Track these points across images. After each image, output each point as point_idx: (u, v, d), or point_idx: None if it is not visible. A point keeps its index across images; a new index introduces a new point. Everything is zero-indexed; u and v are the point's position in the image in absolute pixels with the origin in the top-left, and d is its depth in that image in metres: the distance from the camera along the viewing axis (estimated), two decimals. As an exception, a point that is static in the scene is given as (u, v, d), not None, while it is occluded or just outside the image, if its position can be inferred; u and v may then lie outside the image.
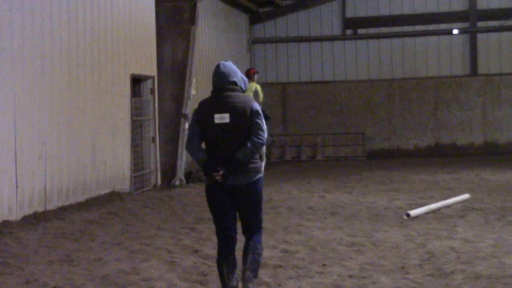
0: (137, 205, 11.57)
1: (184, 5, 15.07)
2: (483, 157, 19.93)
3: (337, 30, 22.08)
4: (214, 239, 8.46)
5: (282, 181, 15.08)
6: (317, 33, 22.15)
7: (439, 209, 10.63)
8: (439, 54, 21.61)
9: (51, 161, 10.50)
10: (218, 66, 5.65)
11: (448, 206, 10.89)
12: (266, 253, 7.12)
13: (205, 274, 6.76)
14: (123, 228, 9.51)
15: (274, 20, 22.36)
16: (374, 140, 21.59)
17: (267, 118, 5.69)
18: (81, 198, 11.30)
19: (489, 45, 21.40)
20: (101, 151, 12.08)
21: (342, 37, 22.00)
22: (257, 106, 5.58)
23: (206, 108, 5.56)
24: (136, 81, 13.84)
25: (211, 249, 7.90)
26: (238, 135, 5.47)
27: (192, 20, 15.20)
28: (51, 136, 10.56)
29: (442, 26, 21.55)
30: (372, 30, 21.89)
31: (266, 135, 5.54)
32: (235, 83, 5.60)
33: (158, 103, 14.51)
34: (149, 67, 14.13)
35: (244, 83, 5.71)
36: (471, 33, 21.39)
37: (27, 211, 9.84)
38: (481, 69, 21.41)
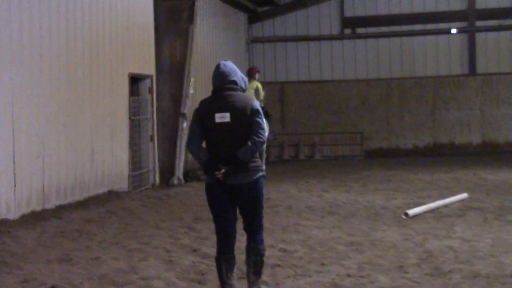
0: (136, 204, 11.57)
1: (183, 4, 15.06)
2: (481, 157, 19.93)
3: (335, 30, 22.07)
4: (213, 238, 8.47)
5: (280, 180, 15.08)
6: (316, 33, 22.15)
7: (437, 208, 10.64)
8: (437, 54, 21.61)
9: (49, 160, 10.49)
10: (218, 66, 5.67)
11: (446, 206, 10.89)
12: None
13: (203, 273, 6.76)
14: (121, 227, 9.50)
15: (273, 19, 22.36)
16: (373, 139, 21.59)
17: (268, 116, 5.73)
18: (79, 197, 11.30)
19: (487, 44, 21.41)
20: (99, 150, 12.07)
21: (341, 37, 22.00)
22: (257, 105, 5.61)
23: (207, 107, 5.58)
24: (135, 80, 13.83)
25: (209, 248, 7.90)
26: (238, 134, 5.50)
27: (191, 19, 15.20)
28: (49, 135, 10.55)
29: (441, 26, 21.56)
30: (371, 30, 21.89)
31: (266, 134, 5.57)
32: (235, 83, 5.62)
33: (157, 102, 14.51)
34: (147, 66, 14.12)
35: (244, 82, 5.73)
36: (469, 33, 21.39)
37: (25, 210, 9.83)
38: (480, 69, 21.42)
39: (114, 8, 12.83)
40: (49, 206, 10.41)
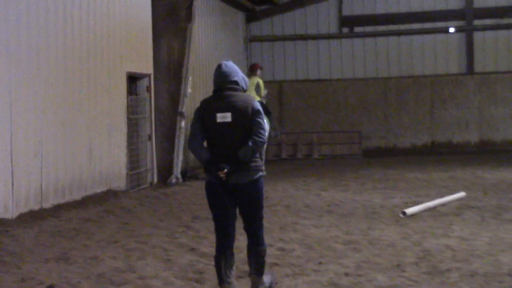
0: (133, 203, 11.56)
1: (181, 3, 15.05)
2: (479, 155, 19.95)
3: (333, 28, 22.08)
4: (211, 237, 8.48)
5: (278, 179, 15.07)
6: (314, 31, 22.15)
7: (435, 207, 10.65)
8: (435, 53, 21.63)
9: (47, 159, 10.48)
10: (220, 66, 5.70)
11: (444, 204, 10.90)
12: (262, 251, 7.12)
13: (201, 272, 6.76)
14: (119, 226, 9.50)
15: (271, 18, 22.36)
16: (370, 138, 21.61)
17: (268, 113, 5.76)
18: (77, 196, 11.29)
19: (485, 43, 21.43)
20: (97, 149, 12.06)
21: (339, 35, 22.00)
22: (258, 106, 5.65)
23: (208, 107, 5.62)
24: (132, 79, 13.82)
25: (207, 247, 7.90)
26: (239, 133, 5.54)
27: (189, 18, 15.19)
28: (47, 134, 10.55)
29: (439, 25, 21.57)
30: (369, 28, 21.91)
31: (267, 133, 5.61)
32: (236, 83, 5.67)
33: (154, 101, 14.50)
34: (145, 65, 14.11)
35: (245, 83, 5.79)
36: (467, 32, 21.41)
37: (23, 209, 9.82)
38: (477, 68, 21.43)
39: (112, 7, 12.82)
40: (47, 205, 10.40)
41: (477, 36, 21.41)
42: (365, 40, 21.89)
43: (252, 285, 5.84)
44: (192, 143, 5.66)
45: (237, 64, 5.97)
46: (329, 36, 22.04)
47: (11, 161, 9.61)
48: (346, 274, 6.62)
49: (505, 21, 21.18)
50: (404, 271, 6.70)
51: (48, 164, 10.50)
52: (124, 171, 13.03)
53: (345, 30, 21.99)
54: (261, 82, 15.47)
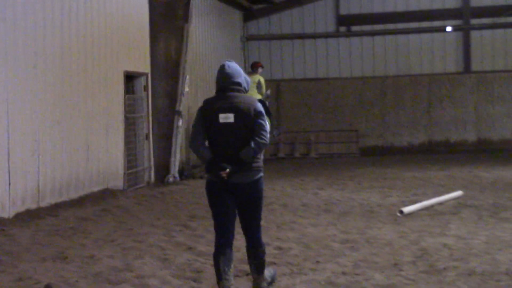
0: (131, 202, 11.55)
1: (178, 2, 15.04)
2: (476, 154, 19.97)
3: (330, 27, 22.07)
4: (208, 236, 8.48)
5: (275, 178, 15.07)
6: (311, 30, 22.14)
7: (432, 206, 10.65)
8: (432, 52, 21.63)
9: (44, 158, 10.47)
10: (223, 67, 5.74)
11: (441, 203, 10.91)
12: (259, 250, 7.12)
13: (198, 271, 6.76)
14: (116, 225, 9.49)
15: (268, 17, 22.34)
16: (368, 137, 21.60)
17: (269, 114, 5.77)
18: (74, 195, 11.27)
19: (482, 42, 21.44)
20: (94, 148, 12.05)
21: (336, 34, 21.99)
22: (260, 107, 5.71)
23: (211, 107, 5.66)
24: (130, 78, 13.81)
25: (204, 246, 7.90)
26: (241, 134, 5.59)
27: (186, 17, 15.18)
28: (44, 133, 10.53)
29: (436, 24, 21.57)
30: (366, 27, 21.90)
31: (269, 135, 5.66)
32: (239, 84, 5.72)
33: (152, 100, 14.49)
34: (142, 64, 14.10)
35: (247, 83, 5.86)
36: (464, 31, 21.42)
37: (20, 208, 9.81)
38: (475, 67, 21.44)
39: (109, 6, 12.80)
40: (44, 204, 10.39)
41: (474, 35, 21.41)
42: (363, 39, 21.89)
43: (254, 283, 5.84)
44: (194, 142, 5.70)
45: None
46: (326, 35, 22.02)
47: (8, 160, 9.59)
48: (344, 273, 6.62)
49: (502, 20, 21.18)
50: (402, 270, 6.71)
51: (45, 163, 10.49)
52: (121, 170, 13.02)
53: (343, 29, 21.98)
54: (262, 80, 15.71)
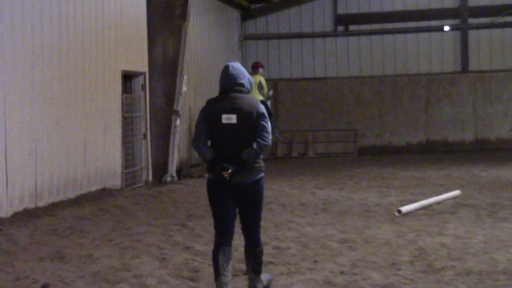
0: (128, 202, 11.54)
1: (176, 1, 15.03)
2: (474, 154, 19.98)
3: (328, 27, 22.07)
4: (206, 235, 8.48)
5: (273, 178, 15.06)
6: (309, 30, 22.14)
7: (430, 205, 10.66)
8: (430, 51, 21.64)
9: (41, 157, 10.45)
10: (227, 67, 5.76)
11: (439, 203, 10.91)
12: (257, 250, 7.11)
13: (196, 271, 6.75)
14: (114, 224, 9.48)
15: (266, 16, 22.34)
16: (366, 136, 21.61)
17: (270, 115, 5.81)
18: (72, 194, 11.26)
19: (480, 42, 21.45)
20: (92, 148, 12.04)
21: (334, 34, 22.00)
22: (263, 109, 5.75)
23: (214, 107, 5.69)
24: (127, 77, 13.79)
25: (202, 245, 7.89)
26: (243, 135, 5.63)
27: (184, 16, 15.17)
28: (42, 132, 10.52)
29: (433, 23, 21.59)
30: (364, 27, 21.90)
31: (271, 136, 5.70)
32: (242, 85, 5.76)
33: (150, 100, 14.47)
34: (140, 63, 14.09)
35: (250, 84, 5.89)
36: (462, 30, 21.43)
37: (18, 207, 9.80)
38: (472, 66, 21.46)
39: (107, 5, 12.79)
40: (41, 203, 10.37)
41: (472, 34, 21.43)
42: (360, 39, 21.89)
43: (250, 282, 5.87)
44: (196, 142, 5.74)
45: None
46: (324, 35, 22.03)
47: (6, 160, 9.58)
48: (342, 273, 6.62)
49: (499, 19, 21.20)
50: (399, 270, 6.71)
51: (42, 162, 10.47)
52: (119, 170, 13.01)
53: (340, 28, 21.99)
54: (263, 80, 15.83)
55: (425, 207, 10.47)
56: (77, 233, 8.78)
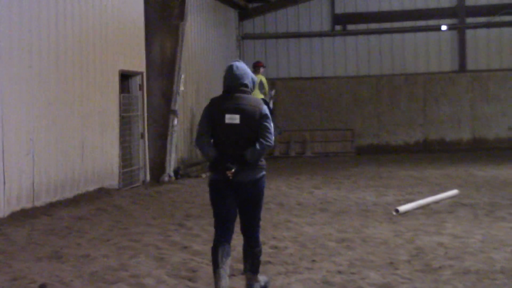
0: (126, 201, 11.53)
1: (173, 1, 15.01)
2: (472, 153, 20.00)
3: (326, 26, 22.08)
4: (203, 235, 8.47)
5: (271, 178, 15.04)
6: (307, 29, 22.14)
7: (428, 204, 10.66)
8: (428, 50, 21.66)
9: (39, 157, 10.44)
10: (231, 67, 5.78)
11: (436, 202, 10.92)
12: (255, 249, 7.11)
13: (194, 271, 6.74)
14: (111, 224, 9.47)
15: (264, 16, 22.34)
16: (363, 136, 21.62)
17: (271, 114, 5.87)
18: (69, 194, 11.25)
19: (477, 41, 21.47)
20: (89, 147, 12.02)
21: (331, 33, 22.00)
22: (266, 110, 5.77)
23: (218, 107, 5.72)
24: (125, 77, 13.78)
25: (200, 245, 7.89)
26: (246, 135, 5.66)
27: (181, 15, 15.15)
28: (39, 132, 10.50)
29: (431, 22, 21.60)
30: (361, 26, 21.91)
31: (273, 137, 5.72)
32: (246, 85, 5.79)
33: (147, 99, 14.47)
34: (137, 63, 14.08)
35: (253, 83, 5.91)
36: (459, 29, 21.45)
37: (15, 207, 9.78)
38: (470, 65, 21.48)
39: (105, 4, 12.78)
40: (39, 203, 10.36)
41: (469, 34, 21.45)
42: (358, 38, 21.90)
43: (247, 282, 5.88)
44: (199, 140, 5.77)
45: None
46: (321, 34, 22.03)
47: (3, 160, 9.56)
48: (339, 272, 6.61)
49: (497, 19, 21.22)
50: (397, 269, 6.71)
51: (40, 162, 10.46)
52: (116, 169, 13.00)
53: (338, 28, 21.99)
54: (264, 80, 15.96)
55: (422, 207, 10.48)
56: (74, 233, 8.77)
